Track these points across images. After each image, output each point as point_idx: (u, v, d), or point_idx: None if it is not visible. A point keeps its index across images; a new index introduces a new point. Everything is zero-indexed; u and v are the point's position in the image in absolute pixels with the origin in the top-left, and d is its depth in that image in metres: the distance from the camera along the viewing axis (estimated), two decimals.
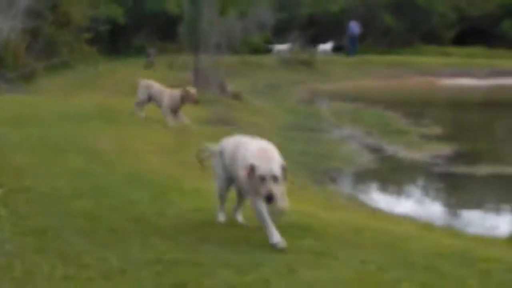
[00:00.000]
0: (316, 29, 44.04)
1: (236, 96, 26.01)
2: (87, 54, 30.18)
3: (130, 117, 18.47)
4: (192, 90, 19.22)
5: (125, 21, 35.87)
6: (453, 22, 51.17)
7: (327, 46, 44.70)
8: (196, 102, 19.16)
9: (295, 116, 25.79)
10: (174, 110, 19.03)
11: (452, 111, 34.82)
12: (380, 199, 16.24)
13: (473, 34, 50.01)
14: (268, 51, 43.43)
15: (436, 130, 25.45)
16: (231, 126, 20.39)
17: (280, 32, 40.09)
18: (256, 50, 37.67)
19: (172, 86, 25.94)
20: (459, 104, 37.11)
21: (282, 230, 8.21)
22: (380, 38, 46.54)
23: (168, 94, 19.27)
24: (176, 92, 19.14)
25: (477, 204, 16.44)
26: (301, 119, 24.93)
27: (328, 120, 26.26)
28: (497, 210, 15.96)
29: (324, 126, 25.05)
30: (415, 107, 32.73)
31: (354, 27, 44.91)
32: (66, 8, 29.10)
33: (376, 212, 13.62)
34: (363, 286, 6.33)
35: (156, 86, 19.82)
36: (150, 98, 19.65)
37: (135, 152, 13.85)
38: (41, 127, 15.49)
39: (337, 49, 44.37)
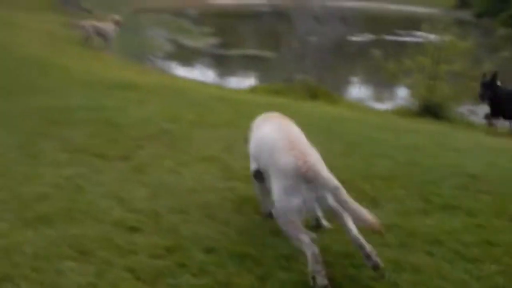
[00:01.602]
0: None
1: (88, 10, 24.49)
2: None
3: (20, 22, 16.82)
4: (118, 17, 15.92)
5: None
6: None
7: None
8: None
9: (125, 21, 24.80)
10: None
11: (217, 19, 34.57)
12: (177, 70, 16.10)
13: None
14: None
15: (208, 29, 25.26)
16: None
17: None
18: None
19: (45, 5, 24.24)
20: (220, 15, 36.84)
21: (116, 87, 7.96)
22: None
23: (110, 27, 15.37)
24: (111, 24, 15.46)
25: (232, 72, 16.68)
26: (129, 23, 23.88)
27: (144, 24, 25.32)
28: (244, 76, 16.23)
29: (142, 28, 24.17)
30: (196, 17, 32.11)
31: None
32: None
33: (174, 77, 13.51)
34: (165, 117, 6.27)
35: (99, 24, 15.43)
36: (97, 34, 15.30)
37: (24, 44, 12.79)
38: None
39: None
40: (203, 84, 12.28)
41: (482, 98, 8.16)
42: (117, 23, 15.75)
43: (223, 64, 18.27)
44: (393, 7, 41.77)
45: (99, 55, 14.26)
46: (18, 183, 4.25)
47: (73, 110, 6.35)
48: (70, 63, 10.87)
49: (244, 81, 14.50)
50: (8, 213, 3.72)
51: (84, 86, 8.23)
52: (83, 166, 4.62)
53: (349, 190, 4.24)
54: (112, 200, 3.94)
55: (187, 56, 19.31)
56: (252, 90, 11.54)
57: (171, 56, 18.66)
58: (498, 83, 8.17)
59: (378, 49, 11.09)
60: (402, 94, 12.28)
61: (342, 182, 4.45)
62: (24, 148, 5.03)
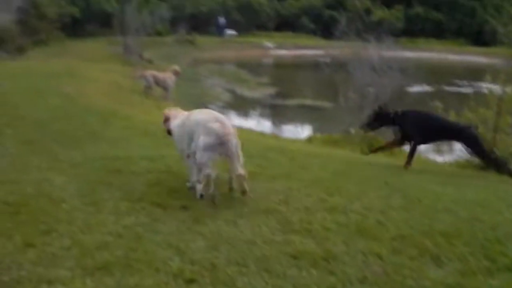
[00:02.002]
0: (194, 22, 43.16)
1: (149, 60, 25.41)
2: (57, 35, 29.55)
3: (85, 73, 17.71)
4: (177, 67, 16.43)
5: (80, 15, 34.67)
6: (273, 18, 51.42)
7: (233, 31, 44.51)
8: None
9: (185, 72, 25.50)
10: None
11: (274, 69, 35.11)
12: (235, 119, 16.31)
13: (285, 25, 50.46)
14: (220, 33, 43.86)
15: (265, 79, 25.66)
16: None
17: (174, 24, 39.11)
18: (160, 34, 36.60)
19: (108, 56, 25.36)
20: (278, 65, 37.44)
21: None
22: (233, 27, 45.96)
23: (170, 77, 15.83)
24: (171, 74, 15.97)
25: (289, 122, 16.76)
26: (188, 73, 24.55)
27: (204, 75, 25.99)
28: (300, 125, 16.31)
29: (201, 78, 24.81)
30: (254, 67, 32.75)
31: (222, 20, 44.95)
32: (43, 7, 28.24)
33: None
34: (224, 168, 6.33)
35: (159, 74, 16.00)
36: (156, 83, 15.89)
37: (89, 94, 13.37)
38: (29, 80, 14.74)
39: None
40: (260, 134, 12.39)
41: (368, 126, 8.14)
42: (176, 73, 16.22)
43: (281, 114, 18.41)
44: (453, 57, 41.36)
45: (159, 104, 14.68)
46: (79, 230, 4.37)
47: (134, 160, 6.53)
48: (131, 113, 11.24)
49: (301, 131, 14.55)
50: (69, 260, 3.84)
51: (145, 136, 8.47)
52: (143, 215, 4.72)
53: (409, 246, 4.21)
54: (170, 250, 4.00)
55: (244, 106, 19.58)
56: (310, 140, 11.56)
57: (229, 106, 18.96)
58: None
59: (438, 100, 10.93)
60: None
61: (402, 237, 4.43)
62: (86, 196, 5.19)
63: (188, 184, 5.51)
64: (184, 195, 5.26)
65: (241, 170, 5.07)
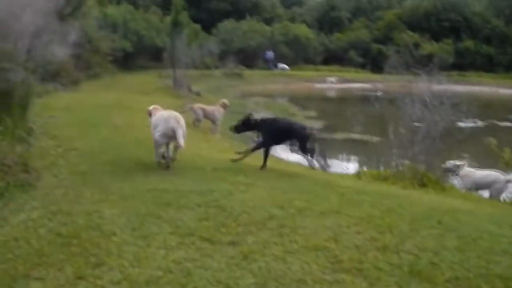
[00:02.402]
0: (243, 56, 43.70)
1: (198, 93, 25.80)
2: (109, 69, 30.42)
3: (135, 105, 18.07)
4: (226, 100, 16.76)
5: (132, 50, 35.66)
6: (321, 51, 51.66)
7: (285, 65, 44.98)
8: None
9: (232, 105, 25.74)
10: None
11: (321, 102, 35.11)
12: (281, 152, 16.27)
13: (333, 59, 50.59)
14: (270, 67, 44.47)
15: (312, 113, 25.65)
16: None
17: (222, 57, 39.78)
18: (208, 67, 37.26)
19: (158, 88, 25.89)
20: (324, 99, 37.44)
21: (224, 171, 8.21)
22: (280, 61, 46.24)
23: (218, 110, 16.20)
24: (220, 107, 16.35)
25: (337, 155, 16.63)
26: (236, 107, 24.78)
27: (251, 107, 26.18)
28: (348, 159, 16.17)
29: (249, 109, 24.98)
30: (301, 100, 32.81)
31: (270, 54, 45.39)
32: (97, 42, 29.19)
33: (280, 160, 13.64)
34: (273, 202, 6.31)
35: (207, 107, 16.48)
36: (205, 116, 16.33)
37: (138, 126, 13.61)
38: (82, 112, 15.15)
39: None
40: (308, 168, 12.30)
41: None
42: (224, 106, 16.37)
43: (328, 147, 18.30)
44: (504, 91, 40.52)
45: (207, 137, 14.83)
46: (129, 264, 4.39)
47: (183, 193, 6.56)
48: None
49: (349, 166, 14.41)
50: None
51: (194, 169, 8.52)
52: (192, 250, 4.71)
53: None
54: (220, 287, 3.96)
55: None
56: (358, 175, 11.39)
57: None
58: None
59: (490, 135, 10.68)
60: None
61: (457, 279, 4.28)
62: (136, 229, 5.22)
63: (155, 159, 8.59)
64: (233, 230, 5.24)
65: (182, 143, 7.98)
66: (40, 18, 9.98)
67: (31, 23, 9.80)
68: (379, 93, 20.79)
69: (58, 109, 14.90)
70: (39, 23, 10.06)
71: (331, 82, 42.39)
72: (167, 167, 8.29)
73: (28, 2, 9.85)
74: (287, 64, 45.55)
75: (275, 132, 9.33)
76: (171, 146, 8.53)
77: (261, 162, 9.25)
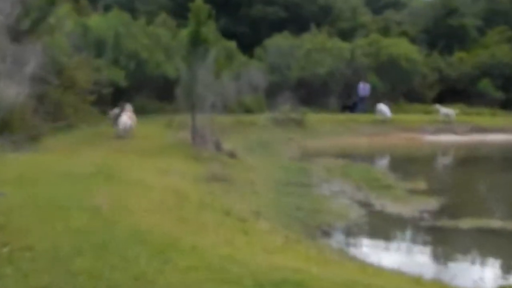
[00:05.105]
0: (305, 91, 43.90)
1: (231, 154, 25.94)
2: (90, 114, 30.63)
3: (130, 174, 18.21)
4: None
5: (126, 83, 35.87)
6: (432, 82, 51.49)
7: (386, 109, 43.62)
8: None
9: (287, 172, 25.68)
10: None
11: (436, 166, 34.79)
12: (370, 253, 16.04)
13: (453, 92, 50.32)
14: (359, 109, 45.16)
15: (421, 184, 25.35)
16: (226, 182, 20.28)
17: (271, 94, 40.09)
18: (249, 110, 37.65)
19: (167, 145, 26.14)
20: (441, 160, 37.15)
21: (277, 286, 8.07)
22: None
23: None
24: None
25: (463, 257, 16.29)
26: (293, 175, 24.74)
27: (318, 176, 26.13)
28: (482, 263, 15.82)
29: (315, 181, 24.93)
30: (401, 162, 32.63)
31: (364, 88, 45.22)
32: (71, 72, 29.44)
33: (367, 267, 13.39)
34: None
35: None
36: None
37: (132, 209, 13.63)
38: (44, 186, 15.29)
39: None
40: (413, 280, 12.04)
41: None
42: None
43: (448, 243, 17.96)
44: None
45: (247, 227, 14.69)
46: None
47: None
48: (202, 242, 11.25)
49: (485, 276, 14.07)
50: None
51: (223, 283, 8.39)
52: None
53: None
54: None
55: (386, 229, 19.29)
56: None
57: (359, 229, 18.75)
58: None
59: None
60: None
61: None
62: None
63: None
64: None
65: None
66: None
67: None
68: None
69: (6, 182, 15.09)
70: None
71: (450, 130, 42.09)
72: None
73: None
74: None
75: None
76: None
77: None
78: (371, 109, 43.93)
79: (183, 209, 15.16)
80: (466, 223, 19.16)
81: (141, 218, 12.86)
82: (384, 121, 41.71)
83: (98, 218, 12.48)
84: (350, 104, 45.73)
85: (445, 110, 43.64)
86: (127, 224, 12.15)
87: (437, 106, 44.04)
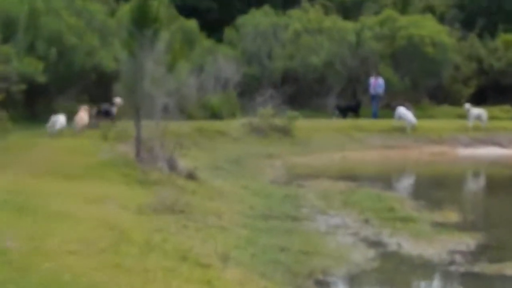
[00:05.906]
0: (293, 88, 43.94)
1: (190, 175, 25.87)
2: None
3: (50, 204, 18.09)
4: None
5: (46, 78, 35.61)
6: (469, 75, 51.58)
7: (409, 113, 43.78)
8: None
9: (268, 200, 25.64)
10: None
11: (472, 190, 34.92)
12: None
13: (496, 89, 50.51)
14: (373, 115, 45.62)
15: (452, 216, 25.43)
16: (183, 214, 20.18)
17: (247, 92, 40.13)
18: (216, 115, 37.70)
19: (101, 163, 26.03)
20: (480, 181, 37.31)
21: None
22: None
23: None
24: None
25: None
26: (276, 204, 24.74)
27: (311, 205, 26.17)
28: None
29: (306, 212, 24.94)
30: (423, 185, 32.76)
31: (376, 84, 45.01)
32: None
33: None
34: None
35: None
36: None
37: (52, 252, 13.56)
38: None
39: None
40: None
41: None
42: None
43: None
44: None
45: (210, 275, 14.62)
46: None
47: None
48: None
49: None
50: None
51: None
52: None
53: None
54: None
55: (405, 277, 19.29)
56: None
57: (366, 277, 18.75)
58: None
59: None
60: None
61: None
62: None
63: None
64: None
65: None
66: None
67: None
68: None
69: None
70: None
71: (492, 141, 42.32)
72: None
73: None
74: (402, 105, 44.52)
75: None
76: None
77: None
78: (387, 114, 44.08)
79: (121, 251, 15.08)
80: (508, 269, 19.24)
81: (63, 264, 12.80)
82: (404, 130, 41.73)
83: (5, 265, 12.44)
84: (352, 105, 45.63)
85: (476, 111, 44.05)
86: (44, 272, 12.11)
87: (467, 106, 43.98)
